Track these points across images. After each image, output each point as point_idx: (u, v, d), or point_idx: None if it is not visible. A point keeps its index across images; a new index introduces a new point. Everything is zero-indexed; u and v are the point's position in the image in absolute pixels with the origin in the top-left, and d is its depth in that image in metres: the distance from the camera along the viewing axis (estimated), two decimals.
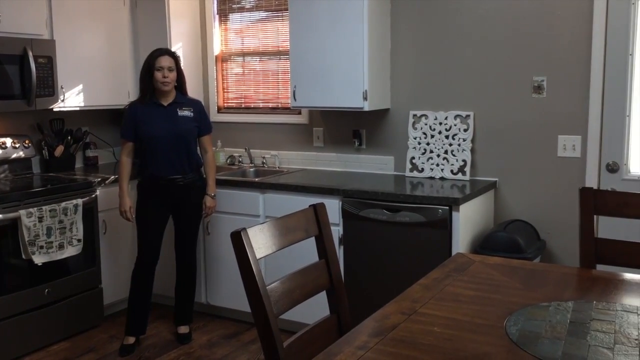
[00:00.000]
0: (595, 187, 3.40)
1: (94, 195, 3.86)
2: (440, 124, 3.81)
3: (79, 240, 3.70)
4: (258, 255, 1.76)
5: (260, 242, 1.81)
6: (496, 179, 3.70)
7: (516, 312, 1.66)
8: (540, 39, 3.49)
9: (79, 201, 3.71)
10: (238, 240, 1.71)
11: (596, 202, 2.22)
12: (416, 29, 3.85)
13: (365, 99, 3.71)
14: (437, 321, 1.64)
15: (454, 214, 3.25)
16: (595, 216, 2.23)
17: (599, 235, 2.23)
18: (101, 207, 3.92)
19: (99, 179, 3.94)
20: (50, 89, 3.87)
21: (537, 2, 3.48)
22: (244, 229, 1.74)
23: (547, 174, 3.55)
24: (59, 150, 4.25)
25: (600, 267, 2.20)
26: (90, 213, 3.83)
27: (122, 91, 4.40)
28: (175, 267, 3.78)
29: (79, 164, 4.51)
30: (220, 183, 3.85)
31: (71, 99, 4.09)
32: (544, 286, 1.91)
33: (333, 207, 3.51)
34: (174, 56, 3.56)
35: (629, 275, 1.99)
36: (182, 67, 3.64)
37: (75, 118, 4.41)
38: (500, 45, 3.61)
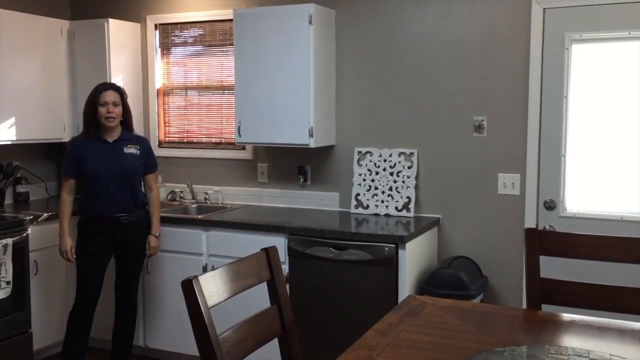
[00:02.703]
0: (533, 224, 3.50)
1: (25, 234, 3.65)
2: (385, 160, 3.85)
3: (7, 283, 3.48)
4: (210, 304, 1.69)
5: (212, 289, 1.74)
6: (439, 216, 3.75)
7: (473, 359, 1.66)
8: (480, 80, 3.61)
9: (9, 241, 3.50)
10: (189, 288, 1.64)
11: (541, 242, 2.27)
12: (361, 68, 3.91)
13: (311, 135, 3.71)
14: None
15: (400, 251, 3.26)
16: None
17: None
18: (32, 246, 3.71)
19: (31, 217, 3.74)
20: None
21: (477, 45, 3.60)
22: (196, 277, 1.67)
23: (488, 210, 3.64)
24: None
25: (546, 307, 2.24)
26: (20, 253, 3.61)
27: (58, 125, 4.23)
28: (114, 308, 3.61)
29: (8, 200, 4.27)
30: (162, 220, 3.72)
31: (2, 132, 3.89)
32: (497, 329, 1.92)
33: (279, 245, 3.43)
34: (120, 91, 3.46)
35: (577, 317, 2.03)
36: None
37: (6, 152, 4.18)
38: (442, 85, 3.71)
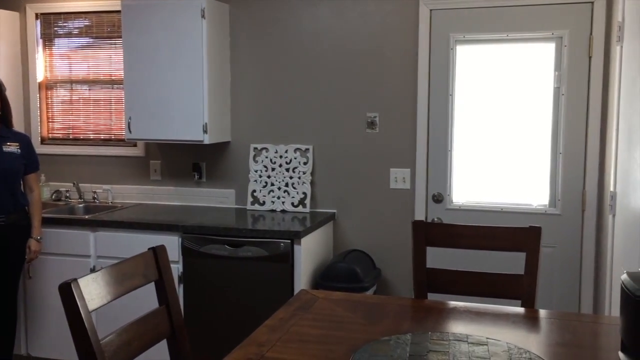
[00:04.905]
0: (423, 216, 3.65)
1: None
2: (281, 157, 3.86)
3: None
4: (91, 307, 1.61)
5: (94, 292, 1.66)
6: (335, 211, 3.81)
7: (360, 349, 1.70)
8: (372, 77, 3.70)
9: None
10: (67, 293, 1.56)
11: (427, 234, 2.37)
12: (256, 63, 3.89)
13: (205, 132, 3.64)
14: None
15: (295, 247, 3.28)
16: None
17: (430, 263, 2.38)
18: None
19: None
20: None
21: (369, 44, 3.69)
22: (75, 280, 1.59)
23: (381, 204, 3.74)
24: None
25: (433, 295, 2.34)
26: None
27: None
28: None
29: None
30: (45, 221, 3.51)
31: None
32: (384, 319, 1.98)
33: (172, 244, 3.37)
34: None
35: (459, 304, 2.14)
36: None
37: None
38: (336, 82, 3.76)
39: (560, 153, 3.45)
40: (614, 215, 2.90)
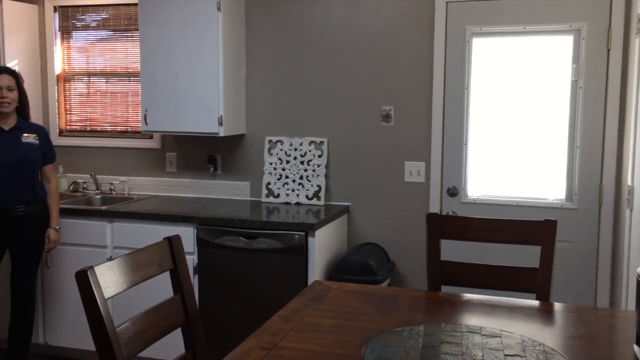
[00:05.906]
0: (438, 210, 3.64)
1: None
2: (296, 149, 3.87)
3: None
4: (107, 295, 1.63)
5: (110, 280, 1.68)
6: (349, 204, 3.82)
7: (373, 340, 1.70)
8: (388, 70, 3.69)
9: None
10: (84, 280, 1.58)
11: (441, 226, 2.36)
12: (272, 56, 3.89)
13: (220, 124, 3.66)
14: (297, 355, 1.62)
15: (309, 239, 3.29)
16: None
17: (444, 256, 2.37)
18: None
19: None
20: None
21: (384, 37, 3.68)
22: (91, 268, 1.61)
23: (395, 198, 3.74)
24: None
25: (447, 288, 2.34)
26: None
27: None
28: (9, 305, 3.42)
29: None
30: (63, 212, 3.56)
31: None
32: (397, 310, 1.98)
33: (187, 236, 3.40)
34: (15, 75, 3.29)
35: (473, 296, 2.13)
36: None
37: None
38: (352, 75, 3.76)
39: (578, 147, 3.41)
40: (631, 210, 2.87)
